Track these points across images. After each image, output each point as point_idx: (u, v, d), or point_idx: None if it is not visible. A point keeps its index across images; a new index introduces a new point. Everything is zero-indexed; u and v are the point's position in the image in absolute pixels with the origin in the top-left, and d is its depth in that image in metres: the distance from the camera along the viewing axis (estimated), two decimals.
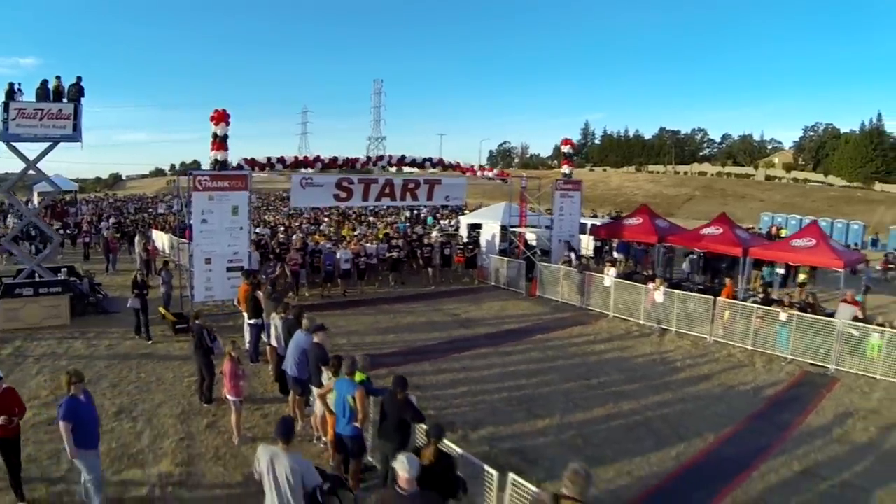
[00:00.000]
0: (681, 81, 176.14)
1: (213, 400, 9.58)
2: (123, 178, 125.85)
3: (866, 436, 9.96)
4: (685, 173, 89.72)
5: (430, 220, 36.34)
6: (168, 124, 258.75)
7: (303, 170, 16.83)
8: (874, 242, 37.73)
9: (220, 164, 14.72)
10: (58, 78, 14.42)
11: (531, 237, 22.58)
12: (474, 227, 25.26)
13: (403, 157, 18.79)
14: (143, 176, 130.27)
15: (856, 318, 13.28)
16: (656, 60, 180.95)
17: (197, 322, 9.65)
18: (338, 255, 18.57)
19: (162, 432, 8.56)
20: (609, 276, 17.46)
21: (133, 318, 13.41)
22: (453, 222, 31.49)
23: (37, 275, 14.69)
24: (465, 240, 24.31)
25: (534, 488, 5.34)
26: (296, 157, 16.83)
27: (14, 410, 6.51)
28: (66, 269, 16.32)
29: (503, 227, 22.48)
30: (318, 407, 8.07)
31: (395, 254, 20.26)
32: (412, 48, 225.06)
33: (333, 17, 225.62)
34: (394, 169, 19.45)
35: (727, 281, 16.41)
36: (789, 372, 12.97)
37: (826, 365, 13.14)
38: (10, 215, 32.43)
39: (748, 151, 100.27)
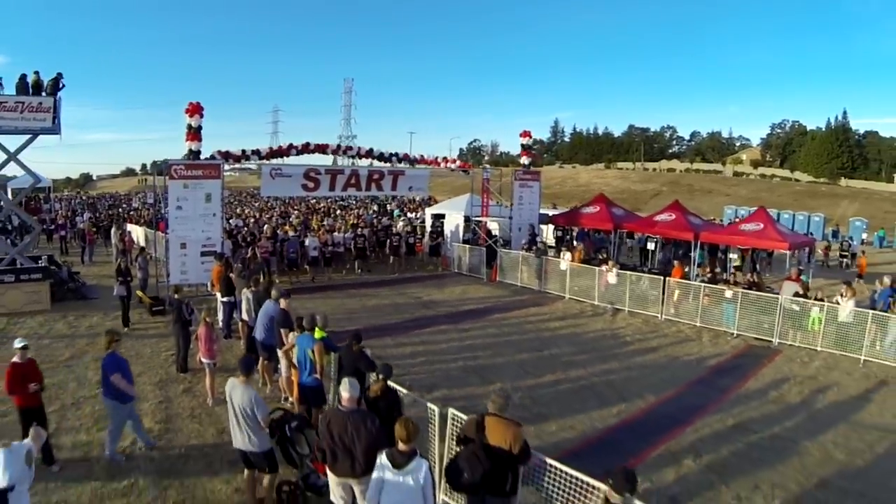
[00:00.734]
0: (651, 80, 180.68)
1: (189, 370, 10.30)
2: (94, 178, 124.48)
3: (800, 397, 10.60)
4: (654, 170, 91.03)
5: (396, 212, 37.33)
6: (138, 124, 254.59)
7: (274, 160, 17.66)
8: (834, 234, 39.40)
9: (195, 155, 15.49)
10: (36, 73, 15.02)
11: (494, 226, 23.51)
12: (438, 218, 26.17)
13: (371, 149, 19.65)
14: (115, 176, 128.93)
15: (797, 294, 14.01)
16: (627, 59, 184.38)
17: (176, 296, 10.52)
18: (306, 243, 19.41)
19: (142, 397, 9.02)
20: (565, 260, 18.41)
21: (119, 306, 13.69)
22: (419, 215, 32.46)
23: (18, 263, 15.22)
24: (430, 230, 25.17)
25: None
26: (270, 148, 17.69)
27: (38, 379, 7.03)
28: (46, 258, 16.88)
29: (466, 218, 23.46)
30: (284, 370, 8.97)
31: (360, 241, 21.09)
32: (383, 48, 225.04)
33: (304, 16, 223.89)
34: (363, 162, 20.40)
35: (676, 263, 17.22)
36: (734, 345, 13.68)
37: (770, 339, 13.85)
38: None
39: (716, 148, 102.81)
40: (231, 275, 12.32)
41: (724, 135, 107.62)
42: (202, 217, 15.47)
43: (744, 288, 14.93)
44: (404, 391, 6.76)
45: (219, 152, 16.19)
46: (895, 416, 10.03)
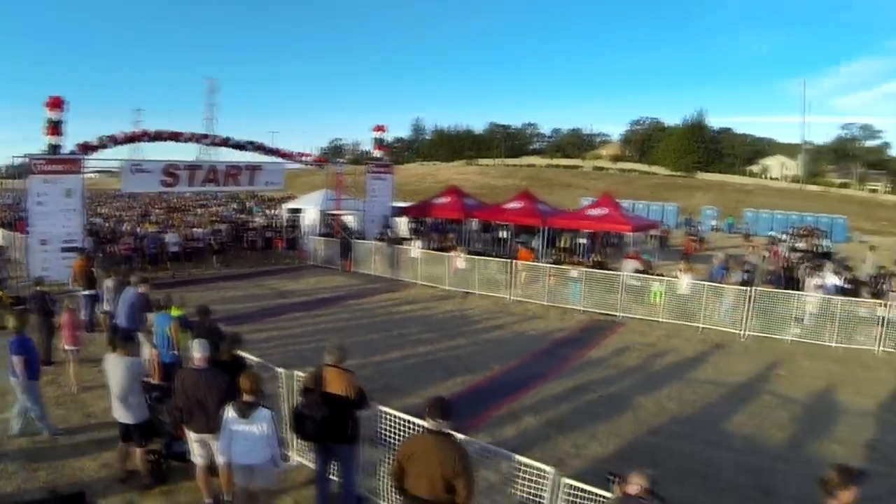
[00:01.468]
0: (513, 79, 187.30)
1: (52, 363, 10.16)
2: None
3: (638, 361, 11.31)
4: (515, 166, 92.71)
5: (255, 209, 38.02)
6: None
7: (133, 156, 18.04)
8: (688, 222, 43.72)
9: (55, 149, 15.65)
10: None
11: (349, 220, 24.72)
12: (294, 212, 26.99)
13: (228, 138, 20.27)
14: None
15: (637, 271, 15.21)
16: (488, 59, 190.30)
17: (38, 288, 10.76)
18: (166, 239, 20.00)
19: (4, 391, 8.40)
20: (416, 247, 19.78)
21: None
22: (277, 212, 33.07)
23: None
24: (286, 224, 26.04)
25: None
26: (124, 133, 17.90)
27: None
28: None
29: (322, 212, 24.62)
30: (146, 352, 9.04)
31: (219, 237, 21.94)
32: (243, 50, 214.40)
33: (163, 14, 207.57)
34: (223, 151, 20.91)
35: (520, 247, 18.71)
36: (580, 320, 14.53)
37: (615, 313, 14.76)
38: None
39: (577, 144, 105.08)
40: (93, 269, 12.69)
41: (585, 131, 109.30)
42: (63, 212, 15.61)
43: (588, 267, 16.02)
44: (254, 358, 7.18)
45: (78, 145, 16.34)
46: (728, 373, 10.92)
